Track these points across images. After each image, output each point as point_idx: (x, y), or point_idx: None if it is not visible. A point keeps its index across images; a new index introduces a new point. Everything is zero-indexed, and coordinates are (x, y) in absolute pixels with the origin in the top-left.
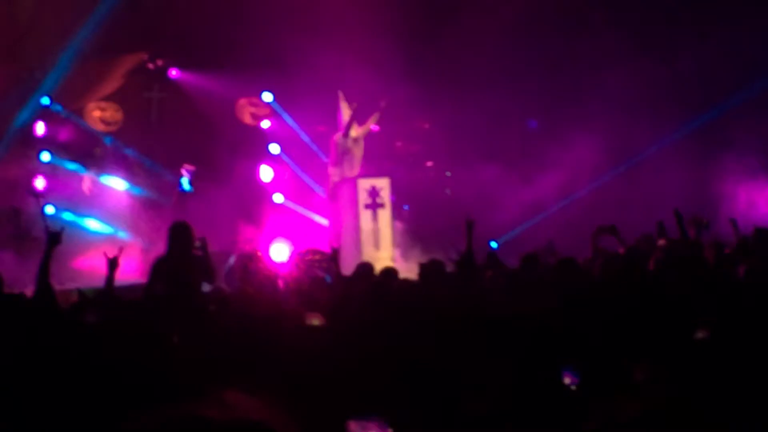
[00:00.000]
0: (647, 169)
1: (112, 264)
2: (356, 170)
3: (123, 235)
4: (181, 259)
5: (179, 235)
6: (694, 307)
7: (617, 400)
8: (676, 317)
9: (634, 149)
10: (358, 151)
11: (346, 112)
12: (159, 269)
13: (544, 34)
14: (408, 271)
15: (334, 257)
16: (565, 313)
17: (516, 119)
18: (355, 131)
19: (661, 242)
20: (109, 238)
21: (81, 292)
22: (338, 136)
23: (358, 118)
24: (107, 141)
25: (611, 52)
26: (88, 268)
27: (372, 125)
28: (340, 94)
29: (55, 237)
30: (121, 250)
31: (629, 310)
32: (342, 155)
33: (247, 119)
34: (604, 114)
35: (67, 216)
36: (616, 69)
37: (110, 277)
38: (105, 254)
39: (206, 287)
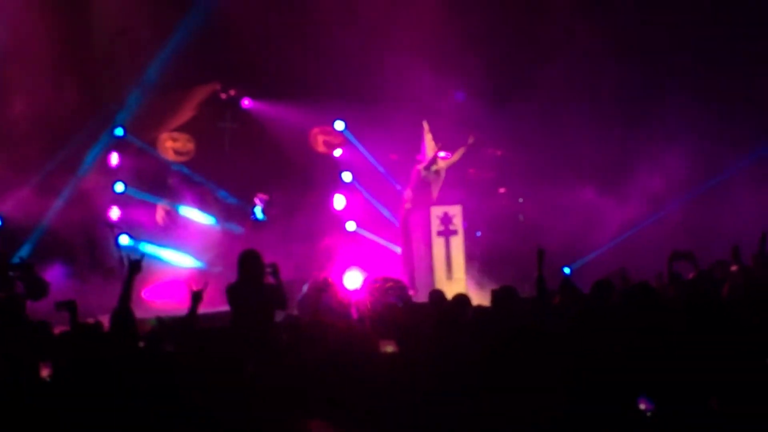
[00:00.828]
0: (726, 192)
1: (196, 297)
2: (433, 199)
3: (197, 264)
4: (253, 286)
5: (248, 263)
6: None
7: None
8: (749, 345)
9: (713, 173)
10: (438, 182)
11: (430, 144)
12: (231, 297)
13: (620, 57)
14: (481, 297)
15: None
16: (637, 341)
17: (592, 145)
18: (438, 165)
19: (734, 268)
20: (184, 268)
21: (160, 321)
22: (421, 168)
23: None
24: (181, 171)
25: (686, 74)
26: (161, 297)
27: (457, 159)
28: (425, 125)
29: (135, 265)
30: (206, 284)
31: (701, 338)
32: (421, 185)
33: (321, 148)
34: (681, 137)
35: (141, 246)
36: (691, 92)
37: (193, 310)
38: (190, 287)
39: (279, 315)
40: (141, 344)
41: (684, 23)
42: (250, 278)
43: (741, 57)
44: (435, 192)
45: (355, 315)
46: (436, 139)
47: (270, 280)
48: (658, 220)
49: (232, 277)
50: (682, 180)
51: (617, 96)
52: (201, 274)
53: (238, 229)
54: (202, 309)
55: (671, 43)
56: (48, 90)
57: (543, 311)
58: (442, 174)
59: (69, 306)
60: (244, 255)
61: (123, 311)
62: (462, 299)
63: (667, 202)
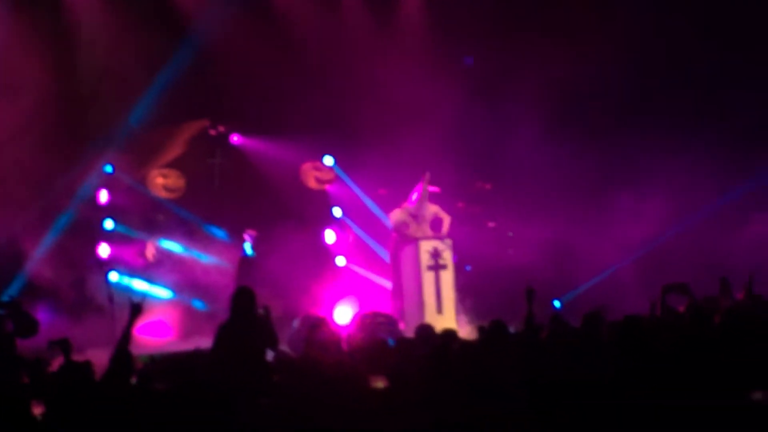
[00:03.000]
0: (715, 225)
1: (136, 309)
2: (426, 233)
3: (186, 300)
4: (245, 324)
5: (242, 301)
6: (755, 367)
7: None
8: (735, 377)
9: (702, 205)
10: (421, 223)
11: (425, 196)
12: (223, 334)
13: (611, 86)
14: (471, 332)
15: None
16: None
17: (582, 178)
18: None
19: (725, 302)
20: (173, 304)
21: (152, 359)
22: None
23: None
24: (170, 207)
25: (679, 106)
26: (151, 334)
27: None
28: (427, 177)
29: (137, 308)
30: (144, 298)
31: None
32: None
33: (312, 183)
34: (668, 170)
35: (131, 283)
36: (678, 127)
37: (130, 324)
38: (130, 300)
39: (269, 354)
40: (133, 380)
41: (679, 46)
42: (242, 316)
43: (731, 88)
44: (418, 232)
45: (345, 350)
46: (411, 173)
47: (261, 318)
48: (651, 251)
49: (220, 313)
50: (674, 212)
51: (606, 129)
52: (190, 311)
53: (227, 265)
54: (195, 345)
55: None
56: (35, 127)
57: (531, 347)
58: (426, 216)
59: (62, 344)
60: (237, 292)
61: (122, 354)
62: (450, 334)
63: (659, 233)
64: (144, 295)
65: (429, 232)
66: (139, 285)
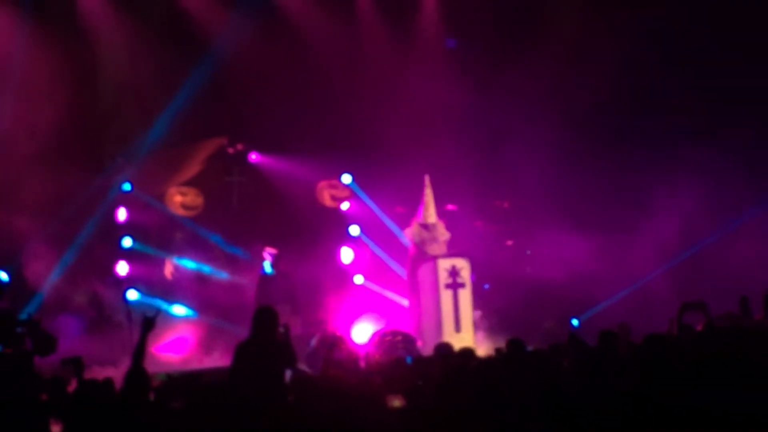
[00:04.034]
0: (736, 241)
1: (148, 324)
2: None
3: (205, 318)
4: (265, 344)
5: (264, 320)
6: None
7: None
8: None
9: (725, 221)
10: (436, 239)
11: (430, 200)
12: (242, 353)
13: (631, 107)
14: (489, 350)
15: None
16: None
17: (598, 196)
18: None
19: (745, 321)
20: (191, 322)
21: (169, 376)
22: (411, 232)
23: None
24: (188, 225)
25: (698, 125)
26: (170, 352)
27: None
28: (426, 180)
29: (149, 322)
30: (158, 312)
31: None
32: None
33: (328, 201)
34: (691, 185)
35: (149, 301)
36: (702, 140)
37: (143, 337)
38: (144, 314)
39: (287, 373)
40: (150, 397)
41: (699, 71)
42: (262, 335)
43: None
44: (435, 249)
45: (363, 369)
46: (438, 193)
47: (281, 337)
48: (670, 269)
49: (238, 331)
50: (693, 229)
51: (624, 146)
52: (208, 328)
53: (246, 283)
54: (213, 364)
55: (682, 94)
56: (54, 144)
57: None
58: (440, 230)
59: (75, 363)
60: (259, 311)
61: (137, 370)
62: (468, 352)
63: (678, 251)
64: (159, 310)
65: (444, 247)
66: (158, 303)
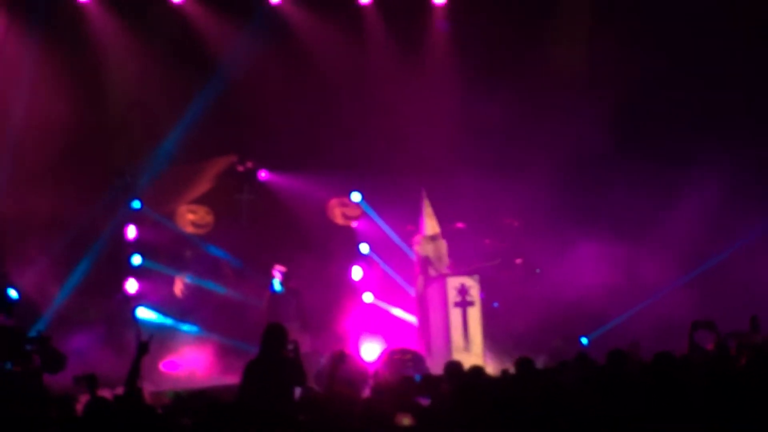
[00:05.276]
0: (746, 258)
1: (142, 348)
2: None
3: (214, 337)
4: (274, 361)
5: (273, 337)
6: None
7: None
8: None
9: (736, 239)
10: (439, 254)
11: (429, 214)
12: (252, 371)
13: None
14: (498, 369)
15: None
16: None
17: (605, 214)
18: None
19: (755, 339)
20: (200, 340)
21: (177, 394)
22: (418, 248)
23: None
24: (198, 243)
25: (711, 142)
26: (178, 369)
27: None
28: (424, 195)
29: (143, 347)
30: (152, 336)
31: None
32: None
33: (339, 219)
34: (703, 203)
35: (159, 319)
36: (709, 156)
37: (137, 360)
38: (138, 337)
39: (297, 391)
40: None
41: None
42: (271, 353)
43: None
44: (440, 267)
45: (372, 386)
46: (437, 209)
47: (290, 355)
48: (679, 287)
49: (248, 349)
50: (704, 248)
51: (631, 165)
52: (218, 346)
53: (256, 301)
54: (223, 382)
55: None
56: (63, 161)
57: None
58: (442, 247)
59: (88, 380)
60: (268, 329)
61: (129, 390)
62: (477, 371)
63: (688, 270)
64: (153, 334)
65: (446, 260)
66: (167, 321)
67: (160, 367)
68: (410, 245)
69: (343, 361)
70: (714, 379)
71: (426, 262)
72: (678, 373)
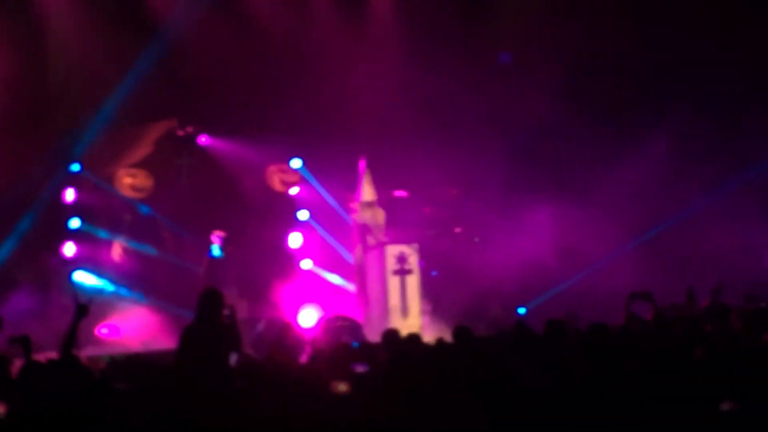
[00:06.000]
0: (691, 230)
1: (81, 310)
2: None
3: (152, 301)
4: (210, 327)
5: (209, 303)
6: (721, 378)
7: None
8: (702, 388)
9: (679, 209)
10: (377, 224)
11: (367, 183)
12: (188, 336)
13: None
14: (435, 336)
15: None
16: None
17: (547, 184)
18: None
19: (690, 310)
20: (138, 304)
21: (112, 359)
22: (356, 216)
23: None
24: (137, 207)
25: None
26: (115, 334)
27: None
28: (364, 164)
29: (82, 309)
30: (91, 300)
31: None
32: (362, 231)
33: (277, 186)
34: (645, 172)
35: (97, 282)
36: (655, 129)
37: (75, 323)
38: (76, 299)
39: (233, 357)
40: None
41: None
42: (207, 318)
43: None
44: (378, 234)
45: (309, 353)
46: (378, 177)
47: (227, 320)
48: (621, 257)
49: (186, 314)
50: (648, 218)
51: (573, 137)
52: (156, 311)
53: (194, 266)
54: (160, 347)
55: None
56: (2, 124)
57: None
58: (379, 215)
59: (22, 341)
60: (204, 294)
61: (65, 353)
62: (414, 339)
63: (631, 240)
64: (92, 297)
65: (383, 230)
66: (104, 284)
67: (96, 331)
68: (348, 212)
69: (286, 332)
70: (648, 350)
71: (364, 229)
72: (612, 342)
